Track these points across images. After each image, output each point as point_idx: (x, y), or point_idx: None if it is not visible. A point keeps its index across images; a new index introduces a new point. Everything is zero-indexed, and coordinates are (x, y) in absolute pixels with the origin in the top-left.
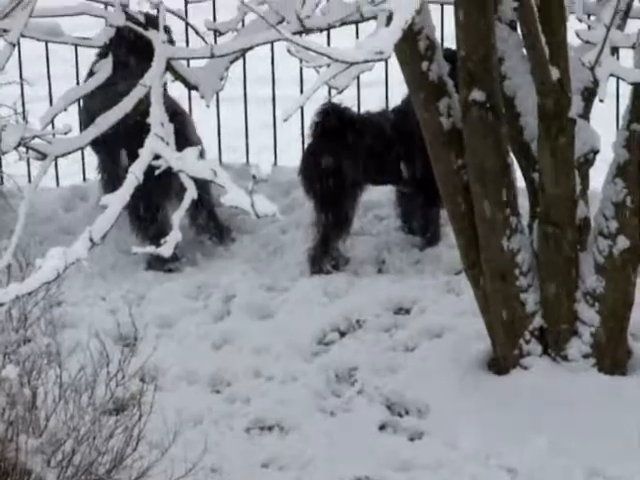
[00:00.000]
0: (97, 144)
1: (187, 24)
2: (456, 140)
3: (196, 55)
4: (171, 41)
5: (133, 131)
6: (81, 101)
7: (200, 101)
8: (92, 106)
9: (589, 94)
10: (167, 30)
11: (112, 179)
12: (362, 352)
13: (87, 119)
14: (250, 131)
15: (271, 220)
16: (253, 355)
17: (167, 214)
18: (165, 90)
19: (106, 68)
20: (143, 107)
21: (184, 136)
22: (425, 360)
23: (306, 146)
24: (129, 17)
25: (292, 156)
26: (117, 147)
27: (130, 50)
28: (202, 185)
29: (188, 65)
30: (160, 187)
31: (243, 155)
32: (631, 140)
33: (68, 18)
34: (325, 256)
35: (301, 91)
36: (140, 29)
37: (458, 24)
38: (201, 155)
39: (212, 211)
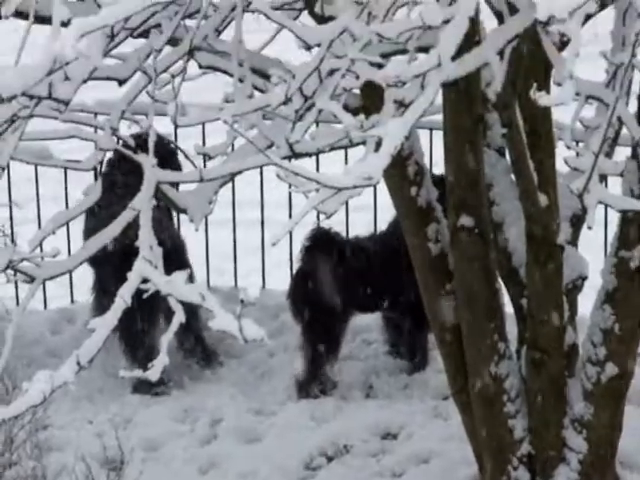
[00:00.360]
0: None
1: (177, 148)
2: (444, 265)
3: (185, 179)
4: (178, 164)
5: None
6: (84, 221)
7: (188, 224)
8: (95, 225)
9: (577, 221)
10: (173, 152)
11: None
12: (349, 478)
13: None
14: (238, 254)
15: (259, 344)
16: None
17: (156, 337)
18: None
19: (95, 191)
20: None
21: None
22: None
23: (295, 270)
24: (120, 139)
25: (280, 279)
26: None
27: (131, 169)
28: (191, 309)
29: (177, 189)
30: (149, 310)
31: (231, 278)
32: (619, 267)
33: (58, 141)
34: (313, 381)
35: (290, 215)
36: (130, 153)
37: (447, 150)
38: (191, 279)
39: (200, 335)
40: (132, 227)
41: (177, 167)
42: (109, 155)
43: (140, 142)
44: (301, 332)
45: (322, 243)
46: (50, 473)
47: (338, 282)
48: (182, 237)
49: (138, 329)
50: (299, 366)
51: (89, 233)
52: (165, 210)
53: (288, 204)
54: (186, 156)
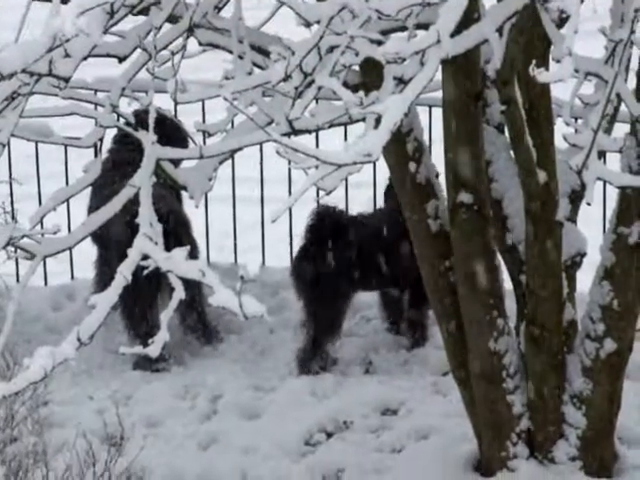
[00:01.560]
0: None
1: (177, 124)
2: (444, 242)
3: (185, 156)
4: (185, 140)
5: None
6: (89, 198)
7: (189, 201)
8: (100, 203)
9: (576, 197)
10: (180, 129)
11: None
12: (349, 453)
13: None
14: (238, 231)
15: (259, 320)
16: (240, 455)
17: (158, 313)
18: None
19: (94, 169)
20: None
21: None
22: (412, 461)
23: (298, 248)
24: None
25: (280, 256)
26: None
27: (136, 146)
28: (194, 286)
29: (177, 166)
30: (150, 286)
31: (231, 255)
32: (618, 243)
33: (58, 118)
34: (314, 357)
35: (289, 191)
36: (130, 130)
37: (446, 127)
38: (195, 255)
39: (202, 312)
40: (136, 203)
41: (184, 144)
42: (113, 132)
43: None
44: (303, 309)
45: (326, 221)
46: (51, 449)
47: (342, 259)
48: (186, 214)
49: (140, 305)
50: (300, 342)
51: (93, 210)
52: (170, 187)
53: (288, 181)
54: (186, 133)
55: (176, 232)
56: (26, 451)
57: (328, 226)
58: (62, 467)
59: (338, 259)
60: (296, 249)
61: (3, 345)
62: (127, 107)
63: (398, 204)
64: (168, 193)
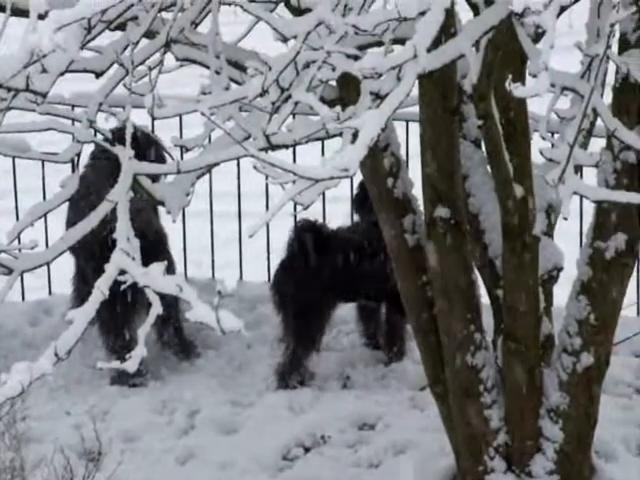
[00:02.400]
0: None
1: (154, 140)
2: (421, 256)
3: (163, 171)
4: (162, 156)
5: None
6: (66, 212)
7: (166, 216)
8: (76, 217)
9: (553, 211)
10: (160, 146)
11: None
12: (326, 468)
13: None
14: (216, 246)
15: (236, 335)
16: (217, 470)
17: (136, 329)
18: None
19: (72, 184)
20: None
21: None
22: (389, 476)
23: (279, 262)
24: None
25: (258, 271)
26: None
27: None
28: (171, 301)
29: (156, 181)
30: (129, 302)
31: (208, 270)
32: (595, 257)
33: (35, 133)
34: (293, 372)
35: (267, 206)
36: (108, 145)
37: (423, 141)
38: (172, 270)
39: (179, 327)
40: (113, 218)
41: (161, 160)
42: (91, 147)
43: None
44: (281, 323)
45: (308, 235)
46: (28, 464)
47: (322, 273)
48: (163, 229)
49: (117, 320)
50: (279, 357)
51: (70, 225)
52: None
53: (265, 195)
54: (163, 148)
55: (153, 247)
56: (4, 467)
57: (309, 240)
58: None
59: (319, 273)
60: (276, 263)
61: None
62: (104, 122)
63: (376, 217)
64: (146, 208)
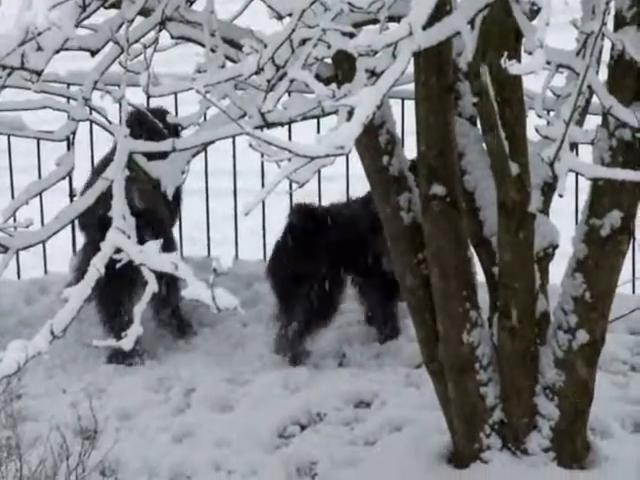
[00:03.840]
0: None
1: (150, 118)
2: (416, 234)
3: (158, 149)
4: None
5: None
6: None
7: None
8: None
9: (548, 189)
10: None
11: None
12: (322, 446)
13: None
14: (211, 224)
15: (232, 313)
16: (214, 448)
17: (132, 306)
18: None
19: (68, 161)
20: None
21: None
22: (385, 454)
23: (275, 243)
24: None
25: (253, 249)
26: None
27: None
28: (170, 280)
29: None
30: (126, 279)
31: (204, 248)
32: (590, 235)
33: (31, 112)
34: (290, 351)
35: (262, 184)
36: (105, 123)
37: (418, 119)
38: (171, 248)
39: (177, 306)
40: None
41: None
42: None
43: (158, 115)
44: (278, 304)
45: (303, 220)
46: (24, 442)
47: (319, 255)
48: (163, 208)
49: (114, 299)
50: (275, 337)
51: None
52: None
53: (261, 173)
54: (159, 126)
55: (151, 226)
56: None
57: (305, 224)
58: (36, 461)
59: (315, 255)
60: (272, 241)
61: None
62: (99, 100)
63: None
64: (149, 187)
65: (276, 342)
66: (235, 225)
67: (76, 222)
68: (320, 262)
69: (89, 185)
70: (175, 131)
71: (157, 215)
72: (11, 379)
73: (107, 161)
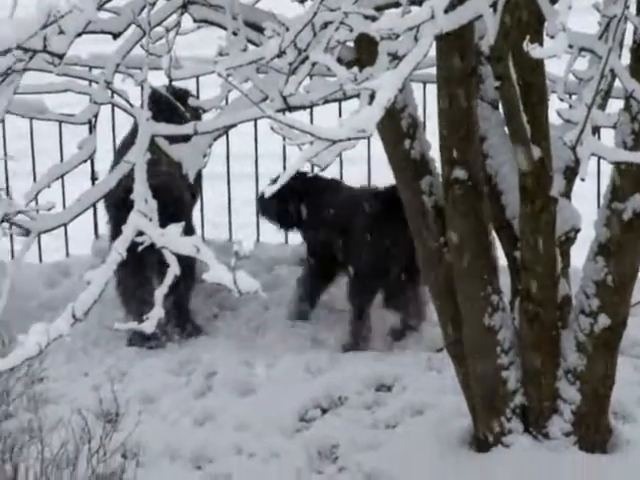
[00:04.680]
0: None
1: (171, 101)
2: (438, 218)
3: (180, 132)
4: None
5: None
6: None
7: None
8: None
9: (570, 173)
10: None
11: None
12: (344, 429)
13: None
14: (233, 208)
15: (253, 297)
16: (235, 432)
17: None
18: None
19: (90, 144)
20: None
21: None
22: (407, 437)
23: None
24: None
25: (275, 233)
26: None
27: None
28: (183, 272)
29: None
30: (147, 262)
31: (225, 231)
32: (612, 219)
33: (52, 95)
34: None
35: (284, 168)
36: (127, 106)
37: (440, 103)
38: (191, 232)
39: (184, 300)
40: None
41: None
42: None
43: (181, 94)
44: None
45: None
46: (46, 425)
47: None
48: (185, 191)
49: (136, 282)
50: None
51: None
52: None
53: (282, 157)
54: (181, 109)
55: (172, 209)
56: (21, 427)
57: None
58: (57, 443)
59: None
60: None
61: None
62: (121, 83)
63: None
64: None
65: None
66: (256, 209)
67: (98, 205)
68: (398, 247)
69: (113, 167)
70: (196, 114)
71: (178, 198)
72: (33, 362)
73: (128, 143)
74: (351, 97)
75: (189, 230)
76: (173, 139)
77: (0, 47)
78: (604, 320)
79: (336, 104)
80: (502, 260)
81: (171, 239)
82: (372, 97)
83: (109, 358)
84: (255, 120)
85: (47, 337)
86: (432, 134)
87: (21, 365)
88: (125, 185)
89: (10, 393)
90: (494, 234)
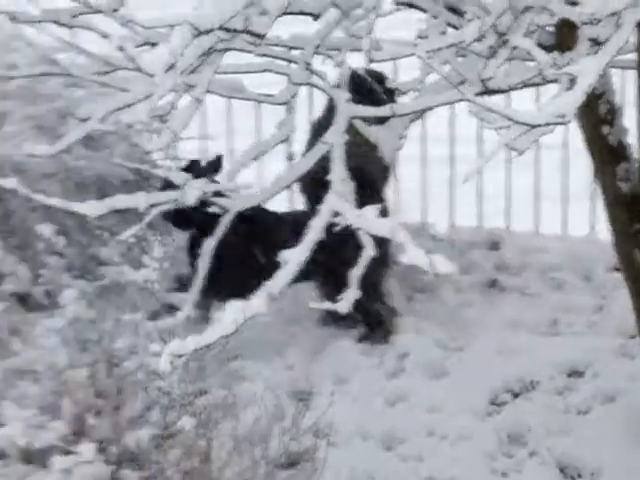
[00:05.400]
0: None
1: (368, 83)
2: (634, 204)
3: (378, 114)
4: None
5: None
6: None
7: None
8: None
9: None
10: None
11: None
12: (535, 414)
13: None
14: (427, 190)
15: (447, 279)
16: (426, 413)
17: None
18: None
19: (288, 125)
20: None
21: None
22: (598, 424)
23: None
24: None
25: (469, 216)
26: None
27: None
28: (381, 247)
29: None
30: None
31: (419, 214)
32: None
33: (249, 75)
34: None
35: (479, 151)
36: (328, 87)
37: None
38: (386, 214)
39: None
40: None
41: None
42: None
43: (377, 76)
44: None
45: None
46: (240, 402)
47: None
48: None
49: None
50: None
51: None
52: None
53: (477, 140)
54: (377, 91)
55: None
56: (216, 404)
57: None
58: (250, 420)
59: None
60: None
61: (196, 297)
62: (320, 64)
63: None
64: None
65: None
66: (451, 192)
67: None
68: None
69: (308, 148)
70: (391, 96)
71: (375, 180)
72: (229, 340)
73: (323, 124)
74: (549, 82)
75: (384, 212)
76: (369, 120)
77: (203, 27)
78: None
79: (533, 89)
80: None
81: (368, 221)
82: (571, 82)
83: (303, 337)
84: (452, 103)
85: (243, 315)
86: (630, 120)
87: (217, 342)
88: (322, 165)
89: (205, 369)
90: None
